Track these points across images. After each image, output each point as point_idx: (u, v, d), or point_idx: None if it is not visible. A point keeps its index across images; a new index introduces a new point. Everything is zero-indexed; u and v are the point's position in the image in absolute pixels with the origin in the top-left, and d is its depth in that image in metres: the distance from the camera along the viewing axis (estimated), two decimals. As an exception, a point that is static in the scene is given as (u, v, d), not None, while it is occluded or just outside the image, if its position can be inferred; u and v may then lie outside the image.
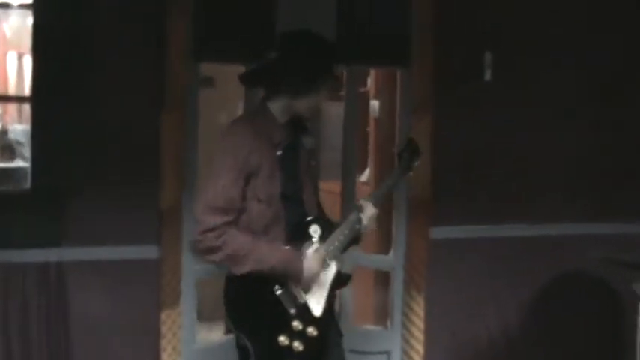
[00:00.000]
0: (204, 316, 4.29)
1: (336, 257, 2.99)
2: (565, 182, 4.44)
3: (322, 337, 2.90)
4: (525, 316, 4.41)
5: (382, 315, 4.67)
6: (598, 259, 3.97)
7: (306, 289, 2.90)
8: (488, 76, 4.21)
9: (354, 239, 3.08)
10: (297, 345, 2.83)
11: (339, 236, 2.98)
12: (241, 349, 2.91)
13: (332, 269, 2.98)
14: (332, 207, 4.11)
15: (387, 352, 4.29)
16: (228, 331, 2.94)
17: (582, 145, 4.46)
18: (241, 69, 3.41)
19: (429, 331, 4.24)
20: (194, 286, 3.87)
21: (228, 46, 3.82)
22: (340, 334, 3.13)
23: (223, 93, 5.16)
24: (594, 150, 4.49)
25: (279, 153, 2.92)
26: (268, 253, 2.83)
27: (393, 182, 3.19)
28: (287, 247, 2.89)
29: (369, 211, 3.02)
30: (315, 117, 3.06)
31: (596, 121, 4.48)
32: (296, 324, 2.85)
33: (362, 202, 3.06)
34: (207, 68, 4.04)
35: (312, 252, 2.91)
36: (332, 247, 2.96)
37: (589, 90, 4.46)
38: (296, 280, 2.86)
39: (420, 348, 4.24)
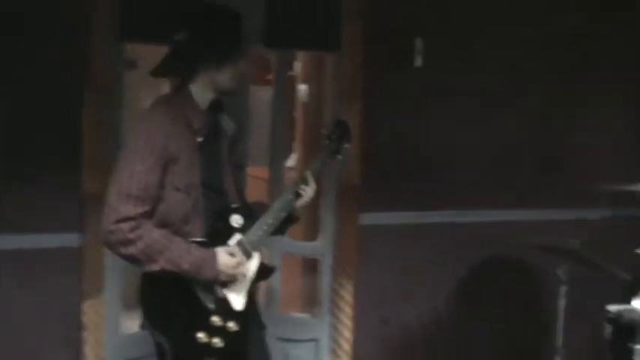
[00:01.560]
0: (128, 305, 4.14)
1: (259, 248, 2.86)
2: (493, 169, 4.48)
3: (243, 332, 2.79)
4: (454, 302, 4.45)
5: (310, 302, 4.63)
6: (524, 245, 4.02)
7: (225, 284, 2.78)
8: (419, 62, 4.20)
9: (291, 219, 2.99)
10: (217, 341, 2.71)
11: (262, 226, 2.85)
12: (157, 345, 2.77)
13: (254, 261, 2.85)
14: (259, 193, 4.04)
15: (316, 340, 4.27)
16: (143, 326, 2.78)
17: (510, 133, 4.51)
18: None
19: (358, 319, 4.24)
20: (119, 275, 3.75)
21: (156, 27, 3.69)
22: (263, 327, 3.04)
23: (146, 76, 5.00)
24: (521, 137, 4.55)
25: (199, 139, 2.79)
26: (181, 256, 2.66)
27: (319, 165, 3.04)
28: (202, 251, 2.72)
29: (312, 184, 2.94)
30: (241, 91, 2.90)
31: (525, 109, 4.53)
32: (215, 319, 2.73)
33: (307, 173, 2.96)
34: (129, 51, 3.90)
35: (227, 256, 2.74)
36: (255, 238, 2.84)
37: (518, 78, 4.50)
38: (212, 281, 2.73)
39: (349, 335, 4.23)
